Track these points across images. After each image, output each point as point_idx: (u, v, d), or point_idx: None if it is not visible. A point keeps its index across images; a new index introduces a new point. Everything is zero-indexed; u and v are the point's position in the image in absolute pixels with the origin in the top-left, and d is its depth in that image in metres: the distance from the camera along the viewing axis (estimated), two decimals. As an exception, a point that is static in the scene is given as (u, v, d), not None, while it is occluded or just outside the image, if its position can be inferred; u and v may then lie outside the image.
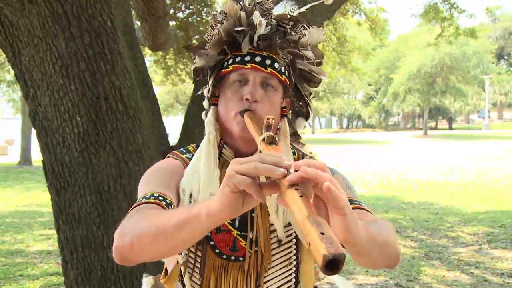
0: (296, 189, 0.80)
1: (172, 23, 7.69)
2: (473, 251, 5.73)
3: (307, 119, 1.33)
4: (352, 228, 0.84)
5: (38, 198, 9.94)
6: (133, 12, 5.28)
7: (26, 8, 2.48)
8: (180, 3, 7.66)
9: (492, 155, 18.72)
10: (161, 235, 0.96)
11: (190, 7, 7.59)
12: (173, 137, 6.86)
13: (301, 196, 0.79)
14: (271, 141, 0.95)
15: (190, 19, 7.73)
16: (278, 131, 1.23)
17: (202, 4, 7.84)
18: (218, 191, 0.88)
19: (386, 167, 14.86)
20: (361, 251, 0.94)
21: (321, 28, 1.31)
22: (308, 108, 1.33)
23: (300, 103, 1.33)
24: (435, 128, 46.22)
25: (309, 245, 0.72)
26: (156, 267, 1.39)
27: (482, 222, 7.18)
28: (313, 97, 1.35)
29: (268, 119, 0.97)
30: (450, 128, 45.10)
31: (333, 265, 0.69)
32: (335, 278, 1.38)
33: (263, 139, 0.96)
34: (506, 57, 51.10)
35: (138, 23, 5.91)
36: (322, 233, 0.71)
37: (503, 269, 5.02)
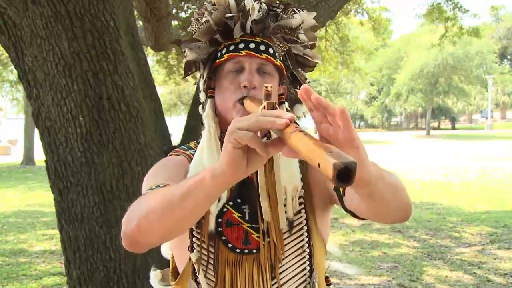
0: (301, 131, 0.77)
1: (174, 22, 7.70)
2: (476, 251, 5.71)
3: None
4: (365, 163, 0.81)
5: (41, 198, 9.96)
6: (135, 12, 5.29)
7: (29, 8, 2.48)
8: (183, 3, 7.67)
9: (495, 155, 18.67)
10: (168, 207, 0.94)
11: (193, 6, 7.59)
12: (176, 137, 6.87)
13: (306, 134, 0.76)
14: (272, 108, 0.91)
15: (192, 19, 7.73)
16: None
17: (205, 4, 7.83)
18: (222, 151, 0.85)
19: (389, 167, 14.78)
20: (374, 191, 0.89)
21: (312, 12, 1.30)
22: None
23: (297, 89, 1.31)
24: (438, 128, 46.15)
25: (319, 165, 0.70)
26: (161, 266, 1.39)
27: (485, 222, 7.17)
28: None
29: (266, 87, 0.95)
30: (453, 128, 44.99)
31: (344, 175, 0.67)
32: (339, 266, 1.36)
33: (264, 107, 0.92)
34: (509, 57, 50.99)
35: (141, 23, 5.92)
36: (331, 152, 0.69)
37: (506, 269, 5.01)
